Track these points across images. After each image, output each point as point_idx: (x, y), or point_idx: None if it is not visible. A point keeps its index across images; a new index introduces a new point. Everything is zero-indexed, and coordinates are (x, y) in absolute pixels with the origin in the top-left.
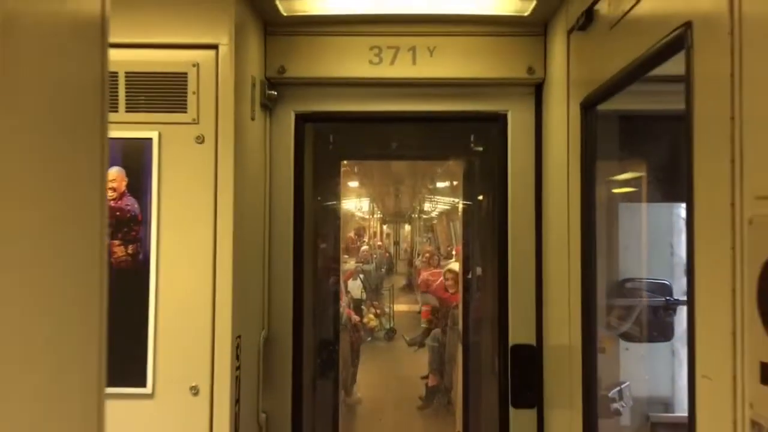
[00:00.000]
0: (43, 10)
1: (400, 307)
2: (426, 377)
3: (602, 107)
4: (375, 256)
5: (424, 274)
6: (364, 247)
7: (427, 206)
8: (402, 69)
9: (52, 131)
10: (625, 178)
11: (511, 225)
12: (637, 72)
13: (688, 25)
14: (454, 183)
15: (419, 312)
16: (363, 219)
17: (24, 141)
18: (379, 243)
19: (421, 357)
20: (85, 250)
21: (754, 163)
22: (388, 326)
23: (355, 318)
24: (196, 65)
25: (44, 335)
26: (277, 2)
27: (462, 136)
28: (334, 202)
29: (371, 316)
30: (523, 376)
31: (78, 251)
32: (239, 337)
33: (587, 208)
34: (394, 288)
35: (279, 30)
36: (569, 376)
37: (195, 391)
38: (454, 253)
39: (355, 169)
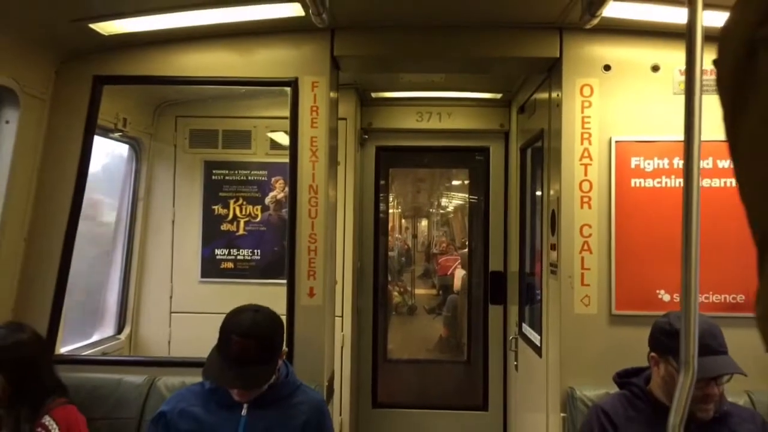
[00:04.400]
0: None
1: (419, 291)
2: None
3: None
4: (397, 245)
5: (442, 260)
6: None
7: (443, 202)
8: (433, 123)
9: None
10: None
11: (491, 212)
12: (534, 140)
13: (543, 130)
14: (466, 182)
15: (436, 294)
16: (385, 213)
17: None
18: (398, 236)
19: (438, 323)
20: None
21: (552, 179)
22: (409, 303)
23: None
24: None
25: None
26: (371, 93)
27: (469, 153)
28: (384, 195)
29: (396, 293)
30: (496, 287)
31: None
32: (353, 263)
33: (522, 201)
34: (414, 274)
35: (368, 103)
36: (516, 287)
37: (337, 283)
38: (467, 243)
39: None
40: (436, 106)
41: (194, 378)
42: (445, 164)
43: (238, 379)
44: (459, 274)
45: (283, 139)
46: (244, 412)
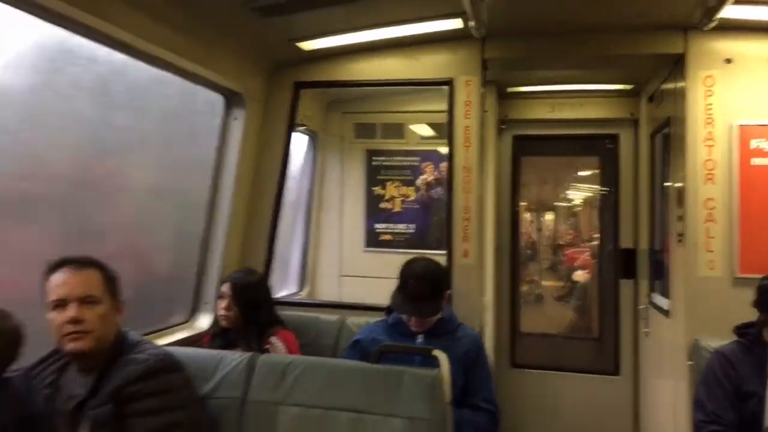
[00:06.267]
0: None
1: (546, 282)
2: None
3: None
4: (522, 238)
5: (569, 252)
6: None
7: (569, 194)
8: (565, 114)
9: None
10: None
11: (621, 195)
12: (662, 126)
13: (669, 117)
14: (594, 172)
15: (563, 285)
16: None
17: None
18: (523, 230)
19: (567, 309)
20: None
21: (679, 159)
22: (536, 292)
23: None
24: None
25: None
26: (507, 88)
27: (599, 140)
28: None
29: (523, 283)
30: (627, 263)
31: None
32: (493, 240)
33: (652, 183)
34: (541, 266)
35: (505, 97)
36: (646, 262)
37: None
38: (596, 236)
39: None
40: (567, 98)
41: (373, 318)
42: (576, 152)
43: (416, 310)
44: (581, 273)
45: (424, 130)
46: (419, 339)
